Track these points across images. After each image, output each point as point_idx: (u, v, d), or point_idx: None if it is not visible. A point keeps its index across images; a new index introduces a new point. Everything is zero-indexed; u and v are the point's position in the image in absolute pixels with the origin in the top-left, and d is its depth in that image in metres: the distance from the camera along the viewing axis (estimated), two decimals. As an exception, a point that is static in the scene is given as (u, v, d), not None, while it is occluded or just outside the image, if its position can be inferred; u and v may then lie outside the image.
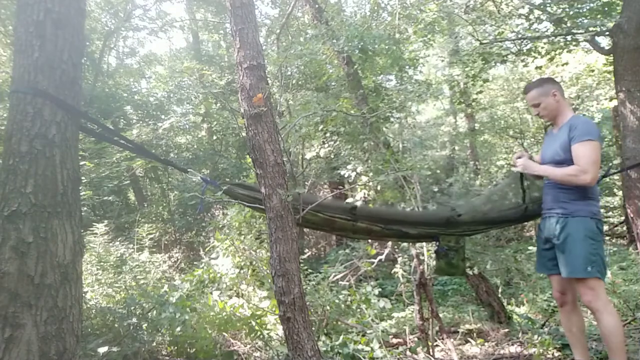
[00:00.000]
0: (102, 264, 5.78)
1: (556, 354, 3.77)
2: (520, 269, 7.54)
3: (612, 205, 13.51)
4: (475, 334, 5.42)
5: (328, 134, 7.61)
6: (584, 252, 2.61)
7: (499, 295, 6.37)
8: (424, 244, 5.06)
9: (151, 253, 8.03)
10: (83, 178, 6.60)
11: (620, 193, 11.54)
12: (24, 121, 2.13)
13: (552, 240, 2.78)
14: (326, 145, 8.11)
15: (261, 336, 4.36)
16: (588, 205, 2.68)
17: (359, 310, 5.24)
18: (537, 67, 7.67)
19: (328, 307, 4.97)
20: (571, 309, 2.89)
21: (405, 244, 5.59)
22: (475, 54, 7.12)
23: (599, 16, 5.46)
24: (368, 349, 4.06)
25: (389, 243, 6.44)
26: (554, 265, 2.78)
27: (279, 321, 3.50)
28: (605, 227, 13.65)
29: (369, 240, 6.88)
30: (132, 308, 4.10)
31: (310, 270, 5.67)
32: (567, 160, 2.65)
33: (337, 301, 5.12)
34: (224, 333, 4.41)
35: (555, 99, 2.79)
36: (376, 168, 6.17)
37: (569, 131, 2.67)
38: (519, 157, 2.95)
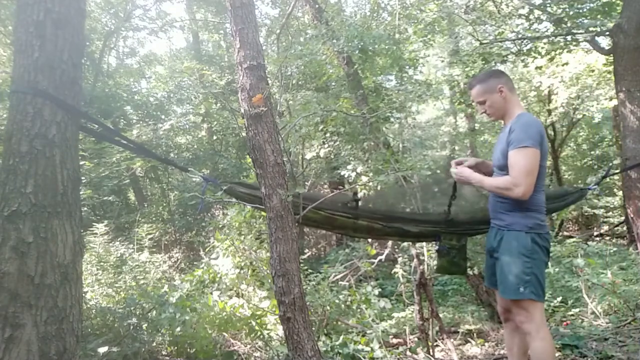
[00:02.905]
0: (102, 264, 5.78)
1: (556, 354, 3.76)
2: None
3: (612, 206, 13.51)
4: (475, 334, 5.43)
5: (328, 134, 7.62)
6: (516, 270, 2.38)
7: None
8: (424, 243, 5.07)
9: (151, 253, 8.03)
10: (83, 178, 6.60)
11: (620, 193, 11.53)
12: (24, 121, 2.13)
13: (492, 254, 2.58)
14: (326, 145, 8.11)
15: (261, 336, 4.37)
16: (525, 218, 2.41)
17: (359, 310, 5.24)
18: (537, 67, 7.67)
19: (328, 307, 4.97)
20: (515, 327, 2.61)
21: (405, 244, 5.60)
22: (476, 54, 7.12)
23: (599, 16, 5.46)
24: (368, 349, 4.06)
25: (389, 243, 6.45)
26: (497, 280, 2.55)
27: (279, 321, 3.50)
28: (605, 227, 13.68)
29: (369, 240, 6.89)
30: (132, 308, 4.10)
31: (310, 270, 5.68)
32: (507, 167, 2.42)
33: (337, 301, 5.13)
34: (224, 333, 4.41)
35: (502, 95, 2.50)
36: (376, 168, 6.18)
37: (508, 134, 2.42)
38: (459, 164, 2.73)
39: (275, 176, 2.77)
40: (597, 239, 12.33)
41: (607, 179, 4.06)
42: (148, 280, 6.09)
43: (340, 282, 5.75)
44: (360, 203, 3.21)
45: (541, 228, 2.44)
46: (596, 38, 5.42)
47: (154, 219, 11.18)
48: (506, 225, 2.46)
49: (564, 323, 4.81)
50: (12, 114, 2.17)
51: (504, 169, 2.45)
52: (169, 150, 11.58)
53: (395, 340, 5.25)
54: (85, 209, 9.09)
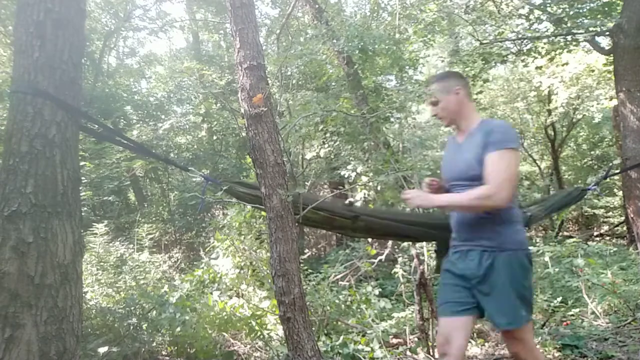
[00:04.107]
0: (102, 264, 5.78)
1: (556, 354, 3.77)
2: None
3: (612, 205, 13.52)
4: (475, 334, 5.42)
5: (328, 134, 7.62)
6: (518, 294, 2.11)
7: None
8: (424, 243, 5.06)
9: (151, 253, 8.03)
10: (83, 178, 6.60)
11: (620, 193, 11.54)
12: (24, 121, 2.13)
13: (471, 281, 2.16)
14: (326, 145, 8.12)
15: (261, 336, 4.36)
16: (516, 233, 2.16)
17: (359, 310, 5.24)
18: (537, 67, 7.67)
19: (328, 307, 4.97)
20: None
21: (405, 244, 5.59)
22: (476, 54, 7.13)
23: (599, 16, 5.47)
24: (368, 349, 4.06)
25: (389, 243, 6.44)
26: (465, 309, 2.15)
27: (279, 321, 3.50)
28: (605, 227, 13.69)
29: (369, 240, 6.89)
30: (132, 308, 4.10)
31: (310, 270, 5.67)
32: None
33: (337, 301, 5.12)
34: (224, 333, 4.41)
35: (458, 97, 2.28)
36: (376, 168, 6.18)
37: (483, 137, 2.13)
38: (409, 191, 2.31)
39: (275, 176, 2.77)
40: (597, 239, 12.33)
41: (607, 179, 4.06)
42: (148, 280, 6.09)
43: (340, 282, 5.75)
44: (359, 204, 3.22)
45: (527, 242, 2.23)
46: (596, 38, 5.43)
47: (154, 219, 11.18)
48: (498, 245, 2.13)
49: (564, 323, 4.80)
50: (12, 114, 2.17)
51: (476, 179, 2.12)
52: (169, 150, 11.58)
53: (395, 340, 5.25)
54: (85, 209, 9.08)
